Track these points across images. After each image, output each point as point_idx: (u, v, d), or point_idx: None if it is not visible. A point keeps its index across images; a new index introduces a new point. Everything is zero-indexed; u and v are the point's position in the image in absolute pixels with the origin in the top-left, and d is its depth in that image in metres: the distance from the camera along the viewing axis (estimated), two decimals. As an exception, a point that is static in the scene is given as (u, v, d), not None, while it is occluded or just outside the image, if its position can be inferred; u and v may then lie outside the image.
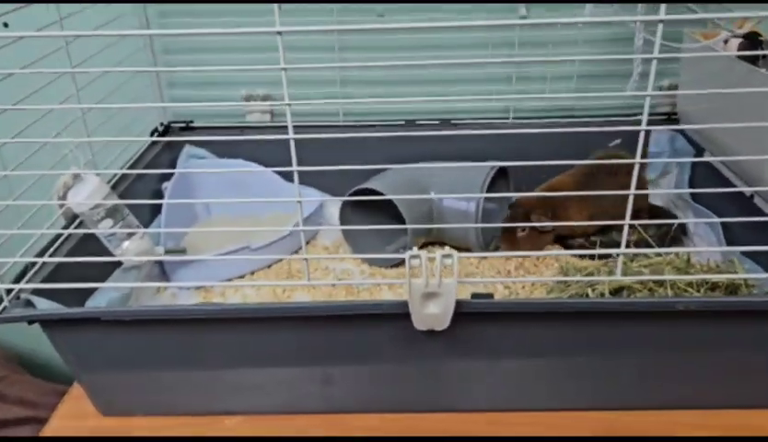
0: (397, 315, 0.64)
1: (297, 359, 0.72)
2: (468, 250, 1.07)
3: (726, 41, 0.82)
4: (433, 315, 0.63)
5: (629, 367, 0.71)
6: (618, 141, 1.17)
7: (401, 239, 1.06)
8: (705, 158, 1.04)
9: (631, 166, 0.60)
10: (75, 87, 0.82)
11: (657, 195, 1.15)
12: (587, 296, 0.74)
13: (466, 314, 0.64)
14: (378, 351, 0.71)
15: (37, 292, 0.71)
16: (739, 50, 0.77)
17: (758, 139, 0.76)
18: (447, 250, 1.01)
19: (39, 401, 1.14)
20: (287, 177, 1.15)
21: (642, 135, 0.58)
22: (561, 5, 1.08)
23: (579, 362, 0.70)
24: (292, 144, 0.57)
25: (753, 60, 0.74)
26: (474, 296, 0.65)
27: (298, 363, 0.72)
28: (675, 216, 1.07)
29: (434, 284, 0.61)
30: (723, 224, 0.94)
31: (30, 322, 0.66)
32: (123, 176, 1.00)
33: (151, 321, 0.68)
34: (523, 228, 0.99)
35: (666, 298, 0.71)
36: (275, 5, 0.49)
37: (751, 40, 0.76)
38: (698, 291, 0.75)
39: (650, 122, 1.16)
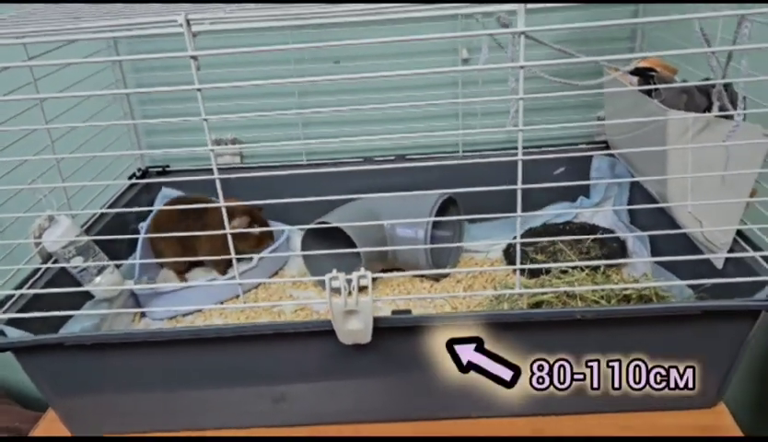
0: (327, 332, 0.71)
1: (248, 378, 0.79)
2: (422, 274, 1.14)
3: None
4: (355, 330, 0.71)
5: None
6: (562, 169, 1.25)
7: (359, 267, 1.14)
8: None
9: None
10: (50, 138, 0.92)
11: (603, 219, 1.23)
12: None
13: (387, 329, 0.71)
14: (318, 367, 0.78)
15: (12, 322, 0.80)
16: (638, 84, 0.84)
17: (661, 167, 0.82)
18: (401, 275, 1.10)
19: (24, 428, 1.22)
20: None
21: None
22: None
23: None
24: (218, 183, 0.66)
25: (648, 92, 0.82)
26: (394, 312, 0.72)
27: (250, 382, 0.80)
28: (617, 238, 1.14)
29: (352, 303, 0.69)
30: (651, 241, 1.00)
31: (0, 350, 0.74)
32: (102, 216, 1.10)
33: (110, 345, 0.76)
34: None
35: (567, 309, 0.78)
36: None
37: (641, 74, 0.83)
38: (609, 302, 0.82)
39: (589, 150, 1.27)
